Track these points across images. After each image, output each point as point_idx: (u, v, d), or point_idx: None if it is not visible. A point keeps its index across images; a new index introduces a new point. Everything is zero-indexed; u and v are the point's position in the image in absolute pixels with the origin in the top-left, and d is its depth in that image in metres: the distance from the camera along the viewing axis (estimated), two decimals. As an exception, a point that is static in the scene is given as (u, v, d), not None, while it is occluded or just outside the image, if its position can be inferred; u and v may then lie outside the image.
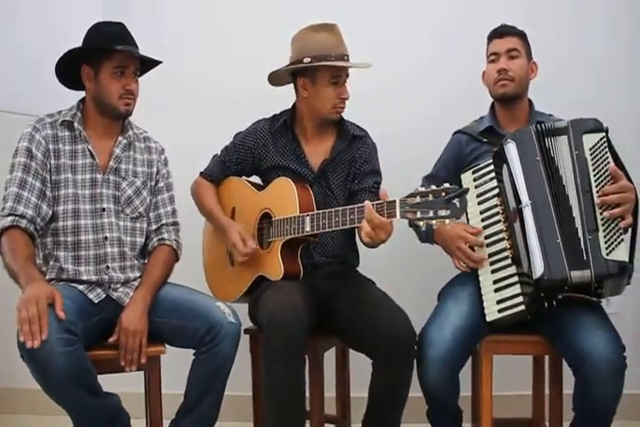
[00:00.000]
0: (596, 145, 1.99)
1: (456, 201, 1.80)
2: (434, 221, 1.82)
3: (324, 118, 2.27)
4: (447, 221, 1.81)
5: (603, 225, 1.93)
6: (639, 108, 2.80)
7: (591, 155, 1.98)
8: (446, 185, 1.83)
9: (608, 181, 1.96)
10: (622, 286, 1.98)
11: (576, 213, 1.95)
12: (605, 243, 1.92)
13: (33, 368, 1.77)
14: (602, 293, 1.96)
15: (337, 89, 2.22)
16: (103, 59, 2.06)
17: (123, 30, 2.11)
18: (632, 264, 1.95)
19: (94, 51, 2.06)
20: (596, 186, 1.96)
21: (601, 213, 1.94)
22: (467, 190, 1.83)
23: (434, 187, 1.84)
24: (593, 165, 1.98)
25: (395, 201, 1.88)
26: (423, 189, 1.85)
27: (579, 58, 2.79)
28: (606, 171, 1.97)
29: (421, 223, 1.83)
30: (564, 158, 2.00)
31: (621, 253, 1.92)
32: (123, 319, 1.96)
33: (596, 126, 2.02)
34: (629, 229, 1.98)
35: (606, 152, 1.99)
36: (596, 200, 1.94)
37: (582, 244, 1.92)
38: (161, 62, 2.17)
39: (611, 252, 1.91)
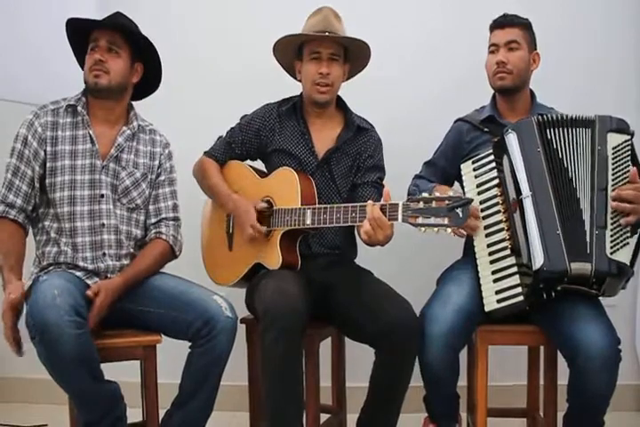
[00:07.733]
0: (619, 146, 1.97)
1: (459, 210, 1.81)
2: (435, 229, 1.83)
3: (311, 100, 2.27)
4: (448, 229, 1.82)
5: (612, 224, 1.92)
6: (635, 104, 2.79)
7: (613, 154, 1.96)
8: (450, 193, 1.85)
9: (625, 184, 1.94)
10: (618, 289, 1.98)
11: (585, 206, 1.94)
12: (611, 242, 1.91)
13: (43, 350, 1.79)
14: (600, 289, 1.95)
15: (317, 65, 2.23)
16: (89, 40, 2.10)
17: (115, 16, 2.12)
18: (632, 269, 1.93)
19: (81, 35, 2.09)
20: (613, 185, 1.94)
21: (612, 213, 1.92)
22: (471, 200, 1.84)
23: (437, 194, 1.85)
24: (613, 164, 1.95)
25: (397, 204, 1.90)
26: (427, 195, 1.86)
27: (577, 53, 2.78)
28: (626, 173, 1.95)
29: (422, 229, 1.84)
30: (578, 151, 1.97)
31: (624, 256, 1.91)
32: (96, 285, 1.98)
33: (624, 127, 2.00)
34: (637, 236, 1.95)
35: (628, 155, 1.97)
36: (611, 194, 1.92)
37: (588, 237, 1.91)
38: (140, 36, 2.11)
39: (615, 252, 1.90)
